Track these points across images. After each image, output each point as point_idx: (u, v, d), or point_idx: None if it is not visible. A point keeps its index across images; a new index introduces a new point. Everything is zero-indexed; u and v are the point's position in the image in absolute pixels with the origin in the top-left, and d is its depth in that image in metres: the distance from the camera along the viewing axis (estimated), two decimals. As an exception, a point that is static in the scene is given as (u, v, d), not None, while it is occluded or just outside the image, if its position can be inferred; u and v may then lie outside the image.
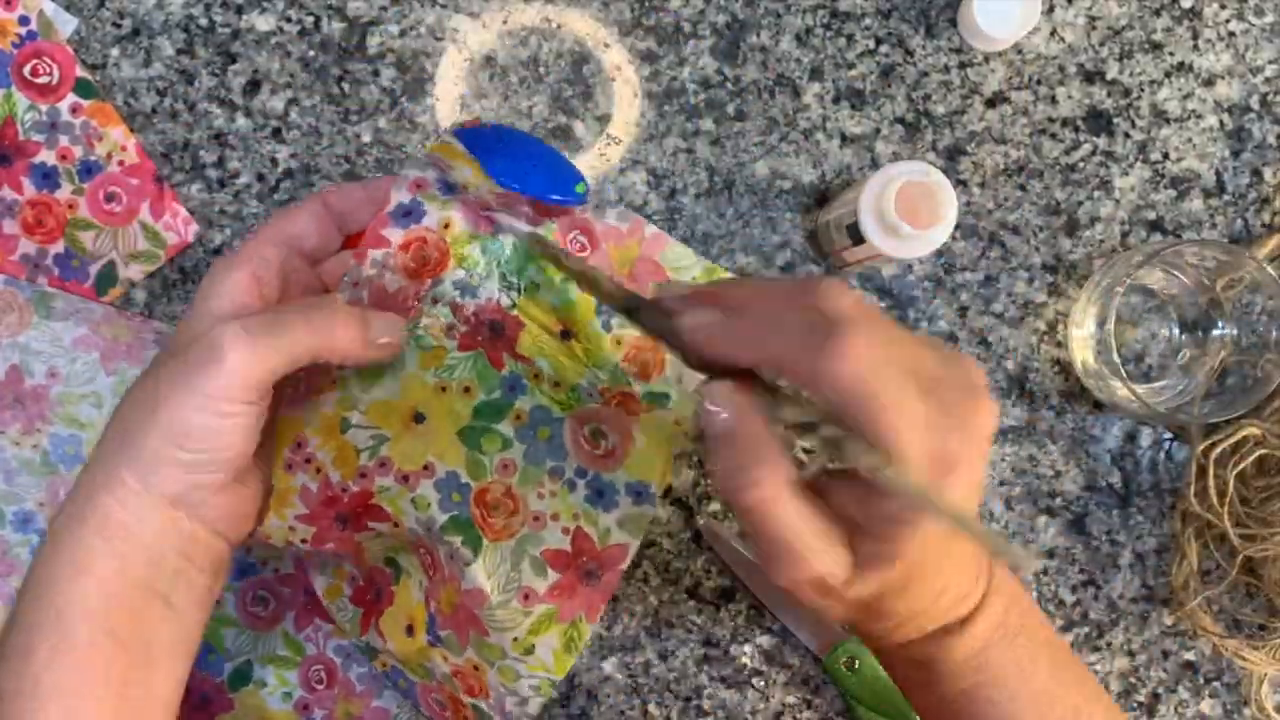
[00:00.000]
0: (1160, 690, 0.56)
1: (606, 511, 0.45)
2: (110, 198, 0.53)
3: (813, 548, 0.34)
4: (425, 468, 0.44)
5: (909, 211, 0.47)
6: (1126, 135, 0.55)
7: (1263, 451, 0.52)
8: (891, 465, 0.33)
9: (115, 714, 0.39)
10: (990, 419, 0.35)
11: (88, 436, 0.52)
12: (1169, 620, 0.55)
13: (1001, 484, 0.55)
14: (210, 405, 0.39)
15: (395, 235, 0.44)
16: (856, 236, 0.49)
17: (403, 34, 0.54)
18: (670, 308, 0.37)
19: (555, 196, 0.42)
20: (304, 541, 0.45)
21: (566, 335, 0.46)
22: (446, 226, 0.44)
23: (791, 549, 0.34)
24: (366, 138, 0.54)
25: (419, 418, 0.45)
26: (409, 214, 0.44)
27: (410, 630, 0.47)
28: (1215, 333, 0.54)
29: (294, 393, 0.45)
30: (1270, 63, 0.56)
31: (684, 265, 0.51)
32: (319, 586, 0.49)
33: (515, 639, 0.44)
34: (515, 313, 0.46)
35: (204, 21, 0.54)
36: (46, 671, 0.38)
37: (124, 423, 0.40)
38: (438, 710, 0.49)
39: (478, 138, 0.42)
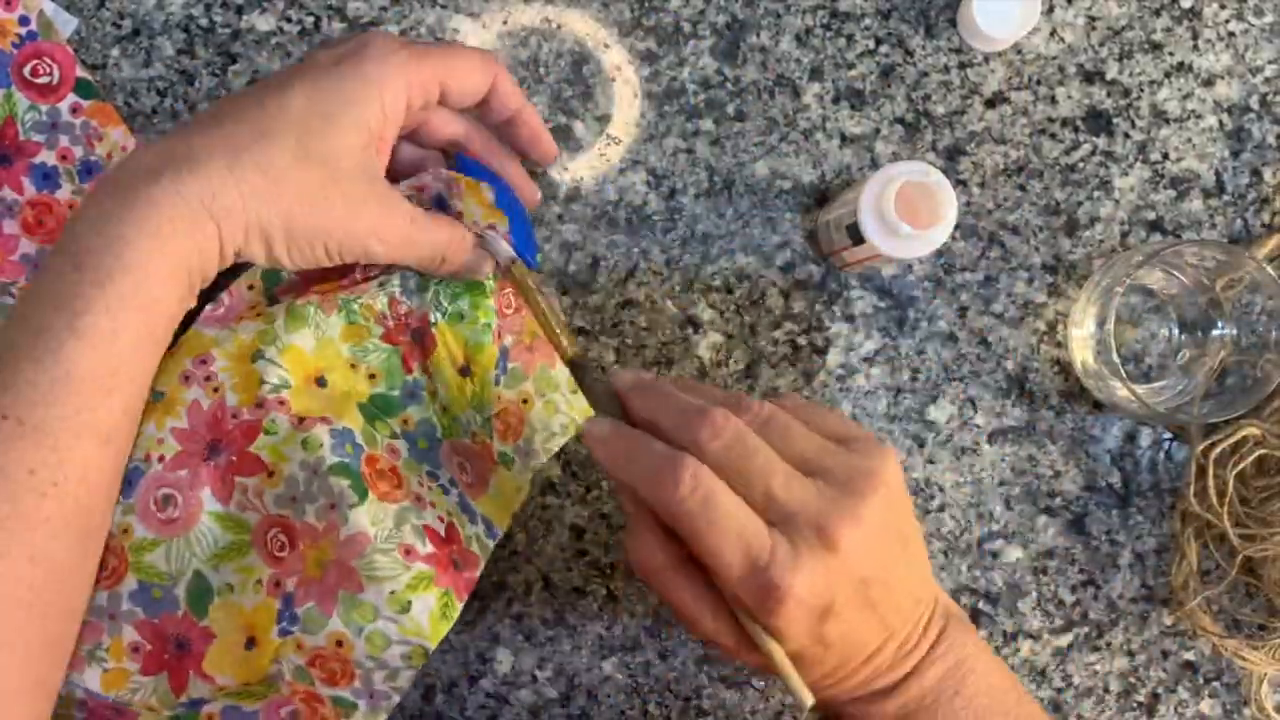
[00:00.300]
0: (1160, 690, 0.56)
1: (470, 523, 0.48)
2: (110, 198, 0.53)
3: (698, 615, 0.40)
4: (322, 418, 0.45)
5: (909, 212, 0.47)
6: (1126, 135, 0.55)
7: (1262, 451, 0.52)
8: (761, 637, 0.39)
9: (139, 420, 0.43)
10: (875, 483, 0.39)
11: None
12: (1169, 620, 0.56)
13: (1001, 484, 0.55)
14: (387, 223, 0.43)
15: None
16: (856, 236, 0.49)
17: (402, 34, 0.54)
18: (597, 387, 0.43)
19: (528, 259, 0.48)
20: (160, 459, 0.44)
21: (465, 372, 0.49)
22: None
23: (682, 613, 0.41)
24: (366, 138, 0.54)
25: (321, 381, 0.46)
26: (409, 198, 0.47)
27: (251, 642, 0.45)
28: (1215, 333, 0.54)
29: (212, 313, 0.47)
30: (1270, 63, 0.56)
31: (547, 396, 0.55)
32: (95, 682, 0.44)
33: (393, 592, 0.43)
34: (435, 331, 0.48)
35: (204, 22, 0.54)
36: (128, 357, 0.40)
37: (304, 179, 0.41)
38: None
39: (502, 193, 0.48)
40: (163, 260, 0.39)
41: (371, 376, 0.47)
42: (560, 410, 0.50)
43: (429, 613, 0.43)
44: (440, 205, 0.47)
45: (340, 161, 0.41)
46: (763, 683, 0.55)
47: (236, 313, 0.46)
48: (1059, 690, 0.55)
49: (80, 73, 0.53)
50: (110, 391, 0.39)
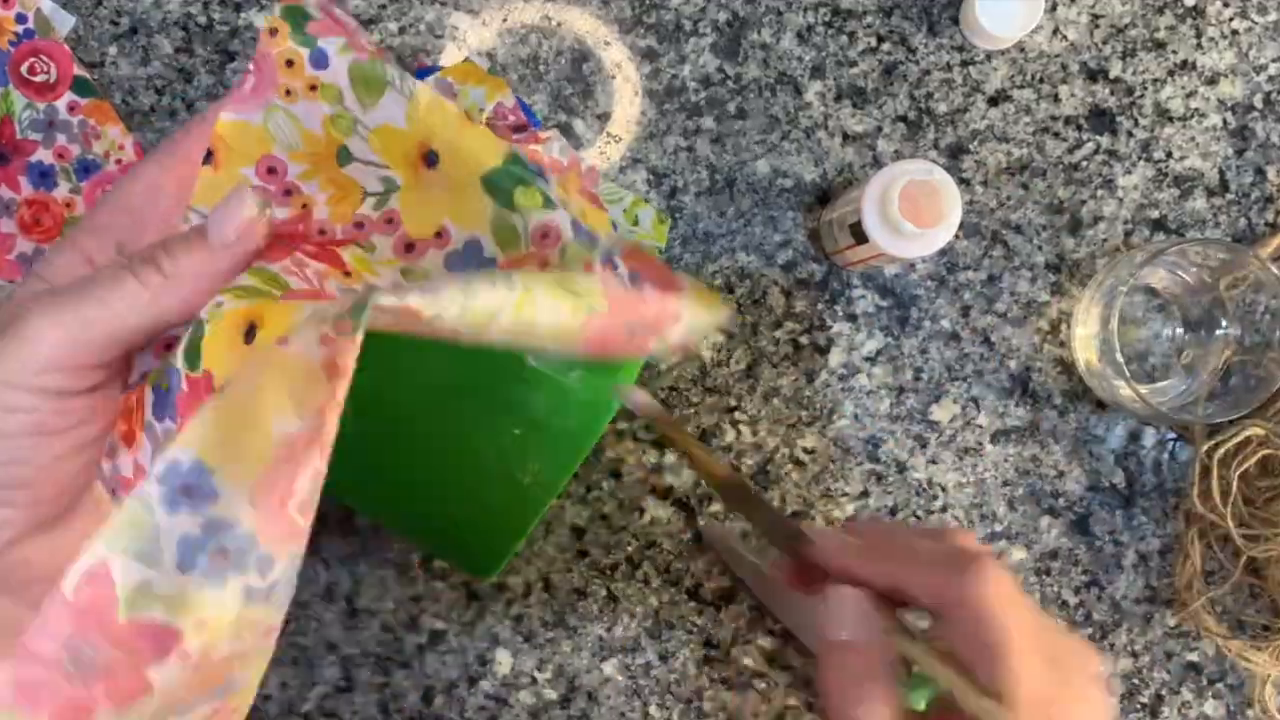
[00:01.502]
0: (1163, 691, 0.55)
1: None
2: (108, 196, 0.53)
3: None
4: (438, 235, 0.34)
5: (912, 211, 0.47)
6: (1129, 134, 0.55)
7: (1266, 452, 0.51)
8: (1001, 712, 0.33)
9: None
10: (1103, 703, 0.35)
11: None
12: (1172, 621, 0.55)
13: (1004, 485, 0.55)
14: (3, 395, 0.28)
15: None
16: (860, 236, 0.48)
17: (402, 31, 0.54)
18: (781, 523, 0.38)
19: (534, 124, 0.42)
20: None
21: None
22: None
23: None
24: (366, 136, 0.53)
25: (431, 159, 0.34)
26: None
27: (251, 331, 0.30)
28: (1219, 332, 0.53)
29: (240, 91, 0.33)
30: (1274, 61, 0.55)
31: (615, 198, 0.50)
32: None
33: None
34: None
35: (202, 19, 0.53)
36: None
37: None
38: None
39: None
40: None
41: (499, 136, 0.34)
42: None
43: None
44: (542, 177, 0.36)
45: None
46: (764, 684, 0.55)
47: (271, 78, 0.32)
48: (1062, 692, 0.55)
49: (78, 71, 0.52)
50: None
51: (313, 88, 0.32)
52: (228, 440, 0.25)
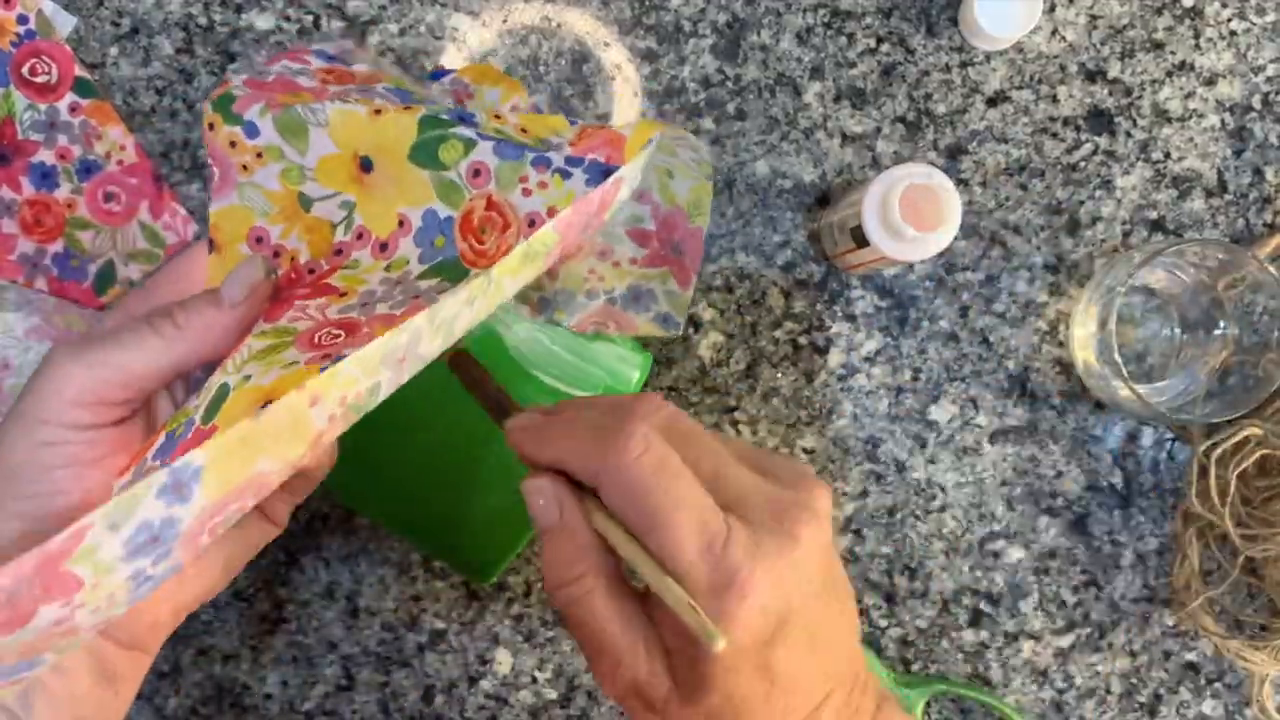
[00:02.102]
0: (1162, 691, 0.55)
1: (591, 178, 0.38)
2: (109, 197, 0.53)
3: (625, 650, 0.33)
4: (401, 224, 0.38)
5: (913, 214, 0.47)
6: (1128, 134, 0.55)
7: (1264, 451, 0.52)
8: (668, 584, 0.31)
9: None
10: (816, 512, 0.33)
11: None
12: (1170, 621, 0.55)
13: (1003, 484, 0.55)
14: (38, 430, 0.32)
15: (318, 61, 0.41)
16: (860, 239, 0.48)
17: (402, 33, 0.54)
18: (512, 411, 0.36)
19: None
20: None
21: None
22: (380, 74, 0.41)
23: (603, 650, 0.33)
24: (366, 137, 0.54)
25: (366, 165, 0.38)
26: (334, 59, 0.42)
27: (266, 405, 0.31)
28: (1217, 332, 0.53)
29: (213, 184, 0.39)
30: (1272, 62, 0.55)
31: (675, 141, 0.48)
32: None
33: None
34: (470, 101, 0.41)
35: (203, 20, 0.53)
36: None
37: None
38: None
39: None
40: None
41: (407, 109, 0.38)
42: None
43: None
44: (463, 119, 0.40)
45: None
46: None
47: (228, 162, 0.38)
48: (1060, 691, 0.55)
49: (79, 71, 0.53)
50: None
51: (259, 155, 0.38)
52: (230, 459, 0.28)
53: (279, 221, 0.38)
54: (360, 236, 0.39)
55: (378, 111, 0.37)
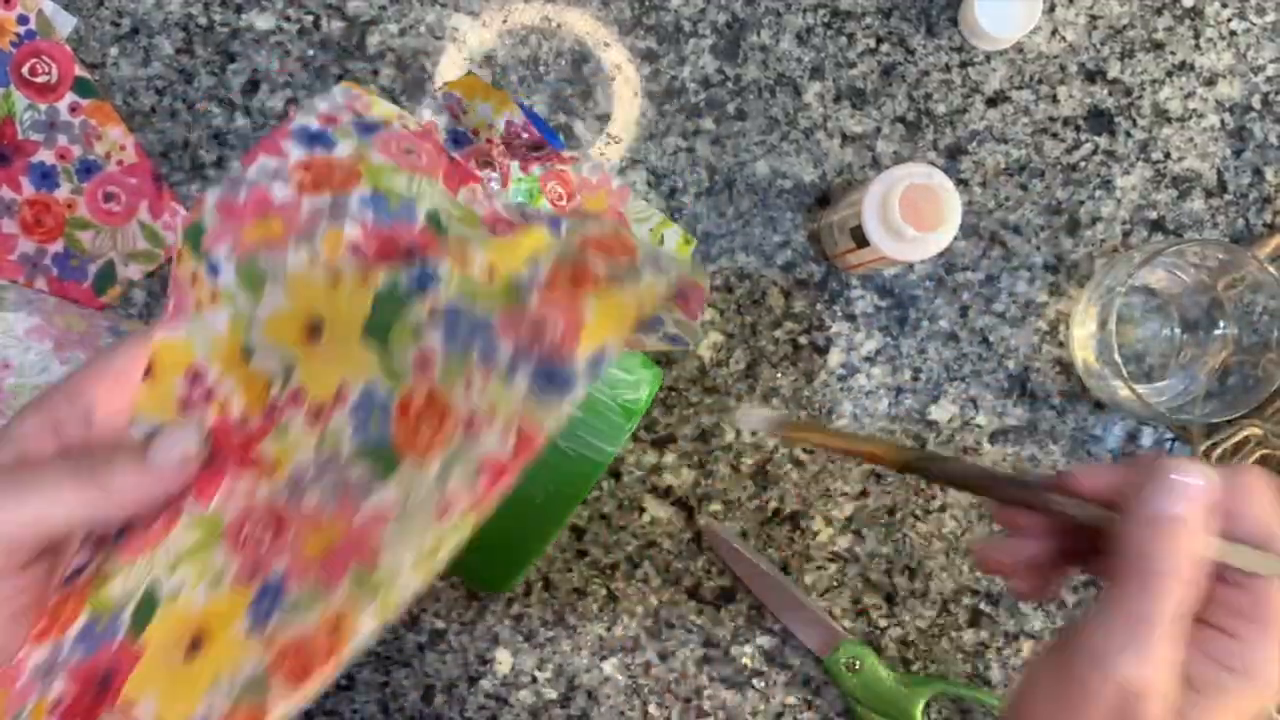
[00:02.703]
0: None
1: (552, 393, 0.35)
2: (109, 197, 0.53)
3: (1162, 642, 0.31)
4: (338, 395, 0.37)
5: (913, 214, 0.47)
6: (1128, 134, 0.55)
7: (1264, 451, 0.52)
8: None
9: None
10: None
11: None
12: (1170, 620, 0.55)
13: (1002, 484, 0.55)
14: None
15: (296, 152, 0.39)
16: (861, 239, 0.48)
17: (402, 33, 0.54)
18: (960, 468, 0.36)
19: (553, 143, 0.43)
20: None
21: (501, 228, 0.40)
22: (361, 159, 0.39)
23: (1146, 637, 0.32)
24: (366, 137, 0.54)
25: (315, 329, 0.38)
26: (315, 139, 0.40)
27: (196, 644, 0.37)
28: (1216, 332, 0.53)
29: (167, 315, 0.38)
30: (1271, 62, 0.55)
31: (643, 217, 0.52)
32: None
33: (418, 555, 0.36)
34: (436, 232, 0.39)
35: (203, 20, 0.53)
36: None
37: None
38: None
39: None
40: None
41: (364, 278, 0.37)
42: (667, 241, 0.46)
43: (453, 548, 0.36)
44: (456, 140, 0.44)
45: None
46: (763, 683, 0.55)
47: (186, 299, 0.38)
48: (1060, 691, 0.55)
49: (79, 72, 0.53)
50: None
51: (214, 296, 0.38)
52: (173, 690, 0.32)
53: (217, 364, 0.38)
54: (295, 398, 0.38)
55: (335, 282, 0.37)
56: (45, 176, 0.53)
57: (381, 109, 0.40)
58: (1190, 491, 0.32)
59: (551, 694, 0.55)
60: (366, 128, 0.40)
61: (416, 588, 0.35)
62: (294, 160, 0.39)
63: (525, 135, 0.45)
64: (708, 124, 0.54)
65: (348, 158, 0.39)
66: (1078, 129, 0.55)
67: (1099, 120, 0.55)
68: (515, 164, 0.45)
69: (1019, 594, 0.36)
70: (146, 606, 0.37)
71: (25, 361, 0.51)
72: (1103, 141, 0.55)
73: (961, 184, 0.55)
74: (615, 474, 0.54)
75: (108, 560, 0.38)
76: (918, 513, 0.55)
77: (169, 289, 0.38)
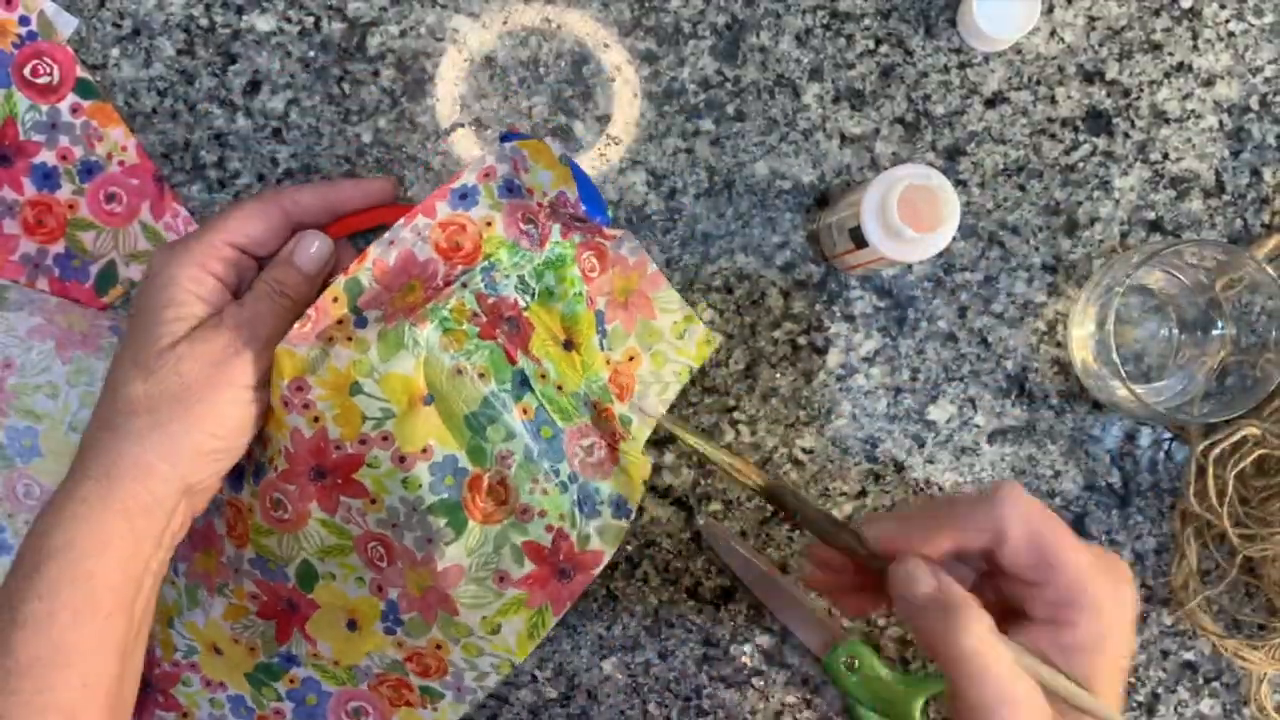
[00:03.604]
0: (1160, 690, 0.56)
1: (589, 519, 0.48)
2: (111, 198, 0.53)
3: (1021, 692, 0.36)
4: (424, 450, 0.46)
5: (912, 215, 0.47)
6: (1126, 135, 0.55)
7: (1262, 451, 0.52)
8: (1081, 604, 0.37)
9: (117, 682, 0.42)
10: (1134, 603, 0.39)
11: (43, 429, 0.51)
12: (1168, 620, 0.56)
13: (1001, 484, 0.55)
14: (244, 395, 0.44)
15: (443, 211, 0.48)
16: (859, 240, 0.49)
17: (403, 34, 0.54)
18: (807, 510, 0.43)
19: (599, 218, 0.47)
20: (274, 469, 0.47)
21: (569, 346, 0.49)
22: (489, 225, 0.48)
23: (1004, 694, 0.36)
24: (367, 138, 0.54)
25: (428, 399, 0.46)
26: (465, 198, 0.48)
27: (353, 625, 0.50)
28: (1214, 333, 0.54)
29: (299, 330, 0.46)
30: (1270, 63, 0.56)
31: (669, 308, 0.53)
32: (218, 609, 0.51)
33: (484, 617, 0.48)
34: (528, 314, 0.48)
35: (204, 22, 0.54)
36: (70, 633, 0.40)
37: (155, 414, 0.43)
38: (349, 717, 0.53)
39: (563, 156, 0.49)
40: (90, 539, 0.41)
41: (481, 375, 0.47)
42: (670, 359, 0.52)
43: (516, 634, 0.48)
44: (510, 189, 0.48)
45: (172, 375, 0.44)
46: (762, 682, 0.55)
47: (323, 328, 0.46)
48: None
49: (80, 73, 0.53)
50: (62, 668, 0.40)
51: (349, 339, 0.46)
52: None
53: (323, 387, 0.45)
54: (385, 440, 0.46)
55: (459, 371, 0.46)
56: (47, 177, 0.53)
57: (536, 176, 0.48)
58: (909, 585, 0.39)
59: (551, 693, 0.55)
60: (510, 189, 0.48)
61: (503, 653, 0.49)
62: (438, 219, 0.48)
63: (571, 210, 0.48)
64: (707, 125, 0.54)
65: (478, 220, 0.48)
66: (1076, 130, 0.55)
67: (1097, 121, 0.55)
68: (557, 226, 0.48)
69: (841, 609, 0.45)
70: (308, 574, 0.49)
71: (27, 361, 0.51)
72: (1101, 142, 0.55)
73: (960, 185, 0.55)
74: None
75: (261, 517, 0.48)
76: (916, 512, 0.55)
77: (310, 308, 0.46)
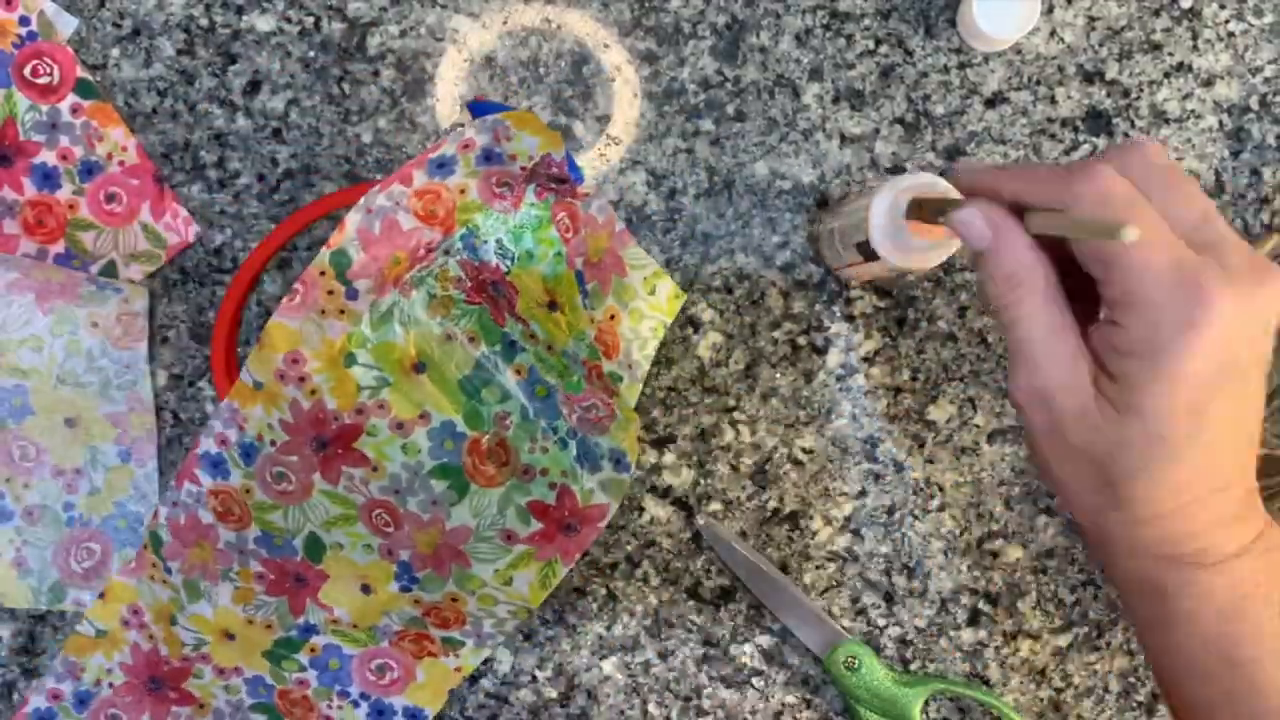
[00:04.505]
0: (1159, 690, 0.56)
1: (591, 473, 0.48)
2: (111, 198, 0.53)
3: (1043, 356, 0.35)
4: (421, 416, 0.47)
5: (918, 224, 0.47)
6: (1126, 135, 0.55)
7: (1263, 452, 0.52)
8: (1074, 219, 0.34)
9: None
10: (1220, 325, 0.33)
11: (31, 384, 0.51)
12: (1168, 620, 0.56)
13: (1001, 484, 0.55)
14: None
15: (419, 179, 0.48)
16: (869, 253, 0.48)
17: (403, 34, 0.54)
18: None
19: (575, 177, 0.48)
20: (273, 444, 0.48)
21: (553, 307, 0.50)
22: (462, 192, 0.48)
23: (1022, 355, 0.35)
24: (367, 138, 0.54)
25: (420, 367, 0.47)
26: (443, 166, 0.48)
27: (367, 588, 0.51)
28: (1214, 333, 0.54)
29: (289, 302, 0.46)
30: (1270, 63, 0.56)
31: (638, 264, 0.54)
32: (225, 595, 0.51)
33: (496, 570, 0.49)
34: (510, 278, 0.49)
35: (204, 22, 0.54)
36: None
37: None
38: (373, 677, 0.53)
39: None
40: None
41: (471, 339, 0.47)
42: (645, 315, 0.53)
43: (529, 584, 0.49)
44: (488, 157, 0.48)
45: None
46: (762, 682, 0.55)
47: (313, 300, 0.47)
48: (1058, 690, 0.55)
49: (80, 73, 0.53)
50: None
51: (341, 311, 0.47)
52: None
53: (318, 359, 0.46)
54: (381, 408, 0.47)
55: (449, 337, 0.47)
56: (47, 177, 0.53)
57: (520, 142, 0.48)
58: (975, 231, 0.36)
59: (551, 693, 0.55)
60: (489, 157, 0.48)
61: (513, 603, 0.50)
62: (414, 187, 0.48)
63: (554, 170, 0.48)
64: (707, 125, 0.54)
65: (454, 188, 0.48)
66: (1076, 130, 0.55)
67: (1097, 121, 0.55)
68: (531, 188, 0.48)
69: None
70: (316, 545, 0.50)
71: (9, 316, 0.51)
72: (1101, 142, 0.55)
73: (960, 185, 0.55)
74: (615, 474, 0.54)
75: (262, 494, 0.49)
76: (916, 512, 0.55)
77: (297, 282, 0.46)
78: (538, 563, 0.49)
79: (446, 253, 0.48)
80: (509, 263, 0.49)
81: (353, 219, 0.47)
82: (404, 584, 0.50)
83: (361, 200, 0.47)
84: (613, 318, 0.52)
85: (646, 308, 0.53)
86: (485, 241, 0.48)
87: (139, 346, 0.52)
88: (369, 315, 0.47)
